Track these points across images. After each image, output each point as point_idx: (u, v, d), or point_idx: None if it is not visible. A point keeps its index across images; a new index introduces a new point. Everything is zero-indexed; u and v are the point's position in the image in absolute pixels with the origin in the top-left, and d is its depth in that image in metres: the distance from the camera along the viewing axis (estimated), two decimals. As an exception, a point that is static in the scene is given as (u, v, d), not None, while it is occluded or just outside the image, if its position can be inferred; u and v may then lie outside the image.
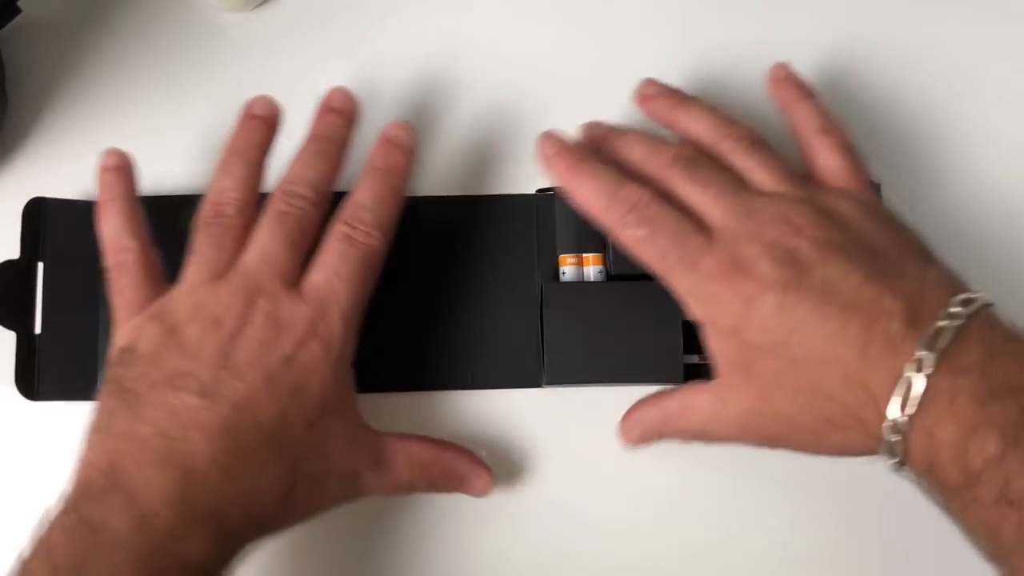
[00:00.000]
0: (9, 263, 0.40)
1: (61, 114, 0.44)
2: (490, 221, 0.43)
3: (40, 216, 0.41)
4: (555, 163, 0.38)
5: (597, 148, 0.39)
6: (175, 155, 0.44)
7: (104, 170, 0.38)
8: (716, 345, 0.36)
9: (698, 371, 0.40)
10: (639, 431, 0.39)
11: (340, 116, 0.39)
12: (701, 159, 0.37)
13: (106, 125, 0.44)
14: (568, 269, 0.41)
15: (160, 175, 0.43)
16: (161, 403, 0.32)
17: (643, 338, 0.40)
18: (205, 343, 0.33)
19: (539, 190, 0.43)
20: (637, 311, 0.40)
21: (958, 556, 0.33)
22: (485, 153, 0.44)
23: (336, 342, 0.35)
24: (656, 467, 0.41)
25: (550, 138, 0.38)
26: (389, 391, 0.41)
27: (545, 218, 0.42)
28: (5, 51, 0.44)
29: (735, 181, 0.37)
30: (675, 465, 0.41)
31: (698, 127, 0.39)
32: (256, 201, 0.37)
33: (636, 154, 0.38)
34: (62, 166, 0.44)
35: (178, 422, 0.32)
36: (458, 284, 0.42)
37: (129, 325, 0.35)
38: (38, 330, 0.40)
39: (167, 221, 0.40)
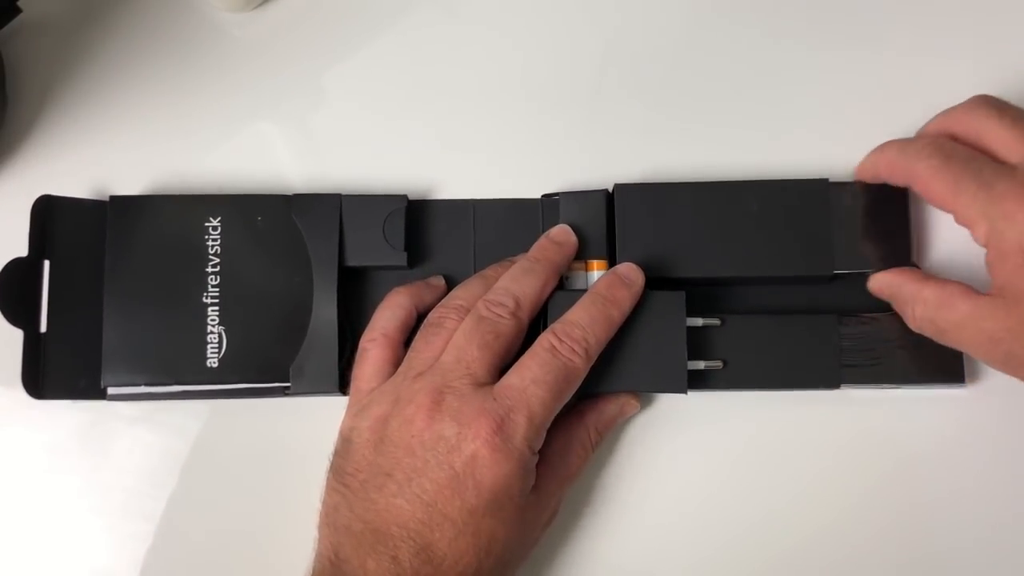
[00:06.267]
0: (17, 261, 0.40)
1: (61, 114, 0.44)
2: (495, 226, 0.43)
3: (48, 214, 0.41)
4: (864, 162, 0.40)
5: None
6: (175, 154, 0.44)
7: (421, 283, 0.42)
8: (997, 264, 0.36)
9: (702, 378, 0.40)
10: (885, 285, 0.39)
11: (557, 245, 0.41)
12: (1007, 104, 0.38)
13: (106, 125, 0.44)
14: (573, 275, 0.41)
15: (160, 174, 0.44)
16: (370, 501, 0.36)
17: (647, 345, 0.39)
18: (400, 442, 0.36)
19: (544, 195, 0.43)
20: (641, 317, 0.39)
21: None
22: (490, 157, 0.44)
23: (517, 441, 0.35)
24: (654, 474, 0.42)
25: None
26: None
27: (550, 223, 0.42)
28: (5, 51, 0.44)
29: None
30: (668, 474, 0.42)
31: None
32: None
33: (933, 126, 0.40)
34: (62, 166, 0.44)
35: (382, 519, 0.35)
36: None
37: (350, 413, 0.39)
38: (44, 328, 0.40)
39: (168, 220, 0.41)
